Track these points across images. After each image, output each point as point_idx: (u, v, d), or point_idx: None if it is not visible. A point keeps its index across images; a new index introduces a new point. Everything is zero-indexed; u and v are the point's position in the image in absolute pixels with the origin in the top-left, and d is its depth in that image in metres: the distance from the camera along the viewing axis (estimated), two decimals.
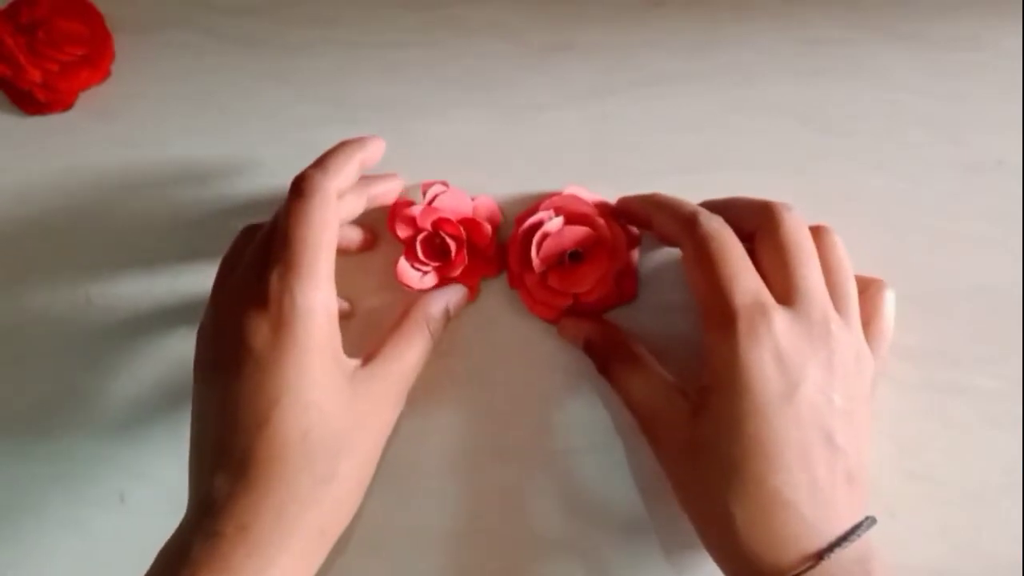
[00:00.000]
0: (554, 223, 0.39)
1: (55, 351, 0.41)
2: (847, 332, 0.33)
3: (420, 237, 0.39)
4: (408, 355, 0.36)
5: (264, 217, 0.40)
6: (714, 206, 0.36)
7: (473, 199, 0.40)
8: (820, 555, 0.30)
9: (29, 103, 0.42)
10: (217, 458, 0.31)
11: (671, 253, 0.41)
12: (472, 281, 0.40)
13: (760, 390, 0.31)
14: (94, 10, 0.42)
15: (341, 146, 0.36)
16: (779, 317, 0.32)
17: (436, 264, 0.39)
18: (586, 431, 0.39)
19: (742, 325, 0.31)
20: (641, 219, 0.38)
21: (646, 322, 0.40)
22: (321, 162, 0.35)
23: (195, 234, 0.41)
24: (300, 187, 0.34)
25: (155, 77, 0.43)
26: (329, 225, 0.33)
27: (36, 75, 0.41)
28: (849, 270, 0.35)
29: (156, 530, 0.39)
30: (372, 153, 0.37)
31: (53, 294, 0.41)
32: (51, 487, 0.40)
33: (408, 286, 0.39)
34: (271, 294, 0.31)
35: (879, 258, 0.40)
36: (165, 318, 0.41)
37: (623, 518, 0.39)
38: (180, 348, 0.41)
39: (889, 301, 0.37)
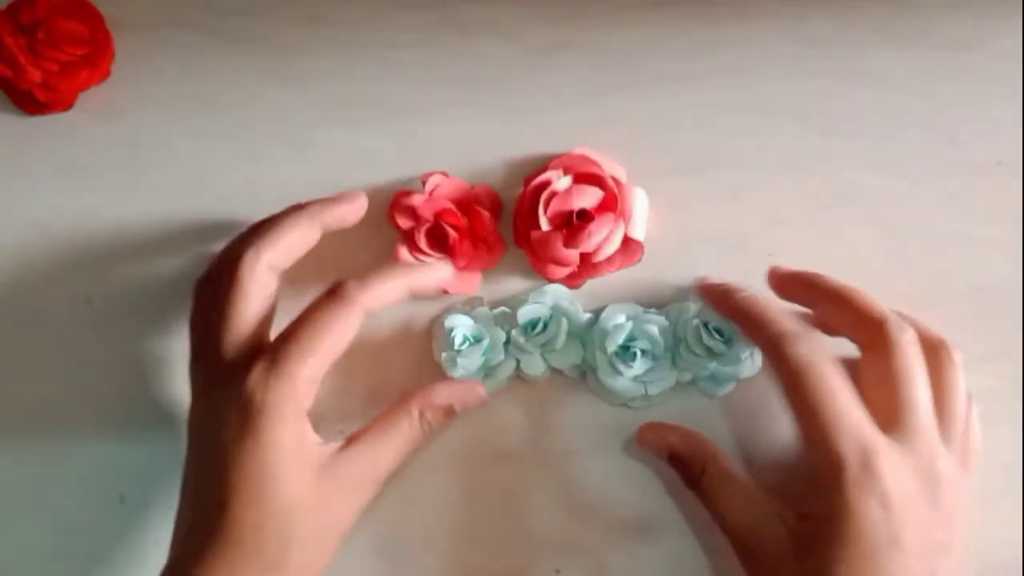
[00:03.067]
0: (562, 182, 0.39)
1: (55, 351, 0.41)
2: (950, 464, 0.33)
3: (422, 226, 0.39)
4: (388, 444, 0.35)
5: (257, 218, 0.40)
6: (825, 296, 0.35)
7: (473, 187, 0.40)
8: None
9: (29, 103, 0.42)
10: (186, 522, 0.33)
11: (676, 216, 0.41)
12: (474, 268, 0.40)
13: (869, 537, 0.31)
14: (94, 10, 0.42)
15: (393, 270, 0.36)
16: (886, 460, 0.31)
17: (437, 253, 0.39)
18: (586, 431, 0.39)
19: (850, 474, 0.31)
20: (728, 316, 0.37)
21: (651, 284, 0.40)
22: (365, 279, 0.34)
23: (195, 234, 0.41)
24: (333, 292, 0.34)
25: (155, 77, 0.43)
26: (339, 338, 0.33)
27: (36, 75, 0.41)
28: (962, 393, 0.35)
29: (156, 530, 0.39)
30: (426, 285, 0.37)
31: (53, 294, 0.41)
32: (51, 488, 0.40)
33: None
34: (247, 386, 0.32)
35: (879, 258, 0.40)
36: (165, 318, 0.41)
37: (623, 518, 0.39)
38: (180, 348, 0.40)
39: (977, 418, 0.36)
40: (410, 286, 0.36)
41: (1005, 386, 0.39)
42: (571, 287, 0.40)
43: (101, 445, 0.40)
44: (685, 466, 0.36)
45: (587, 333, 0.39)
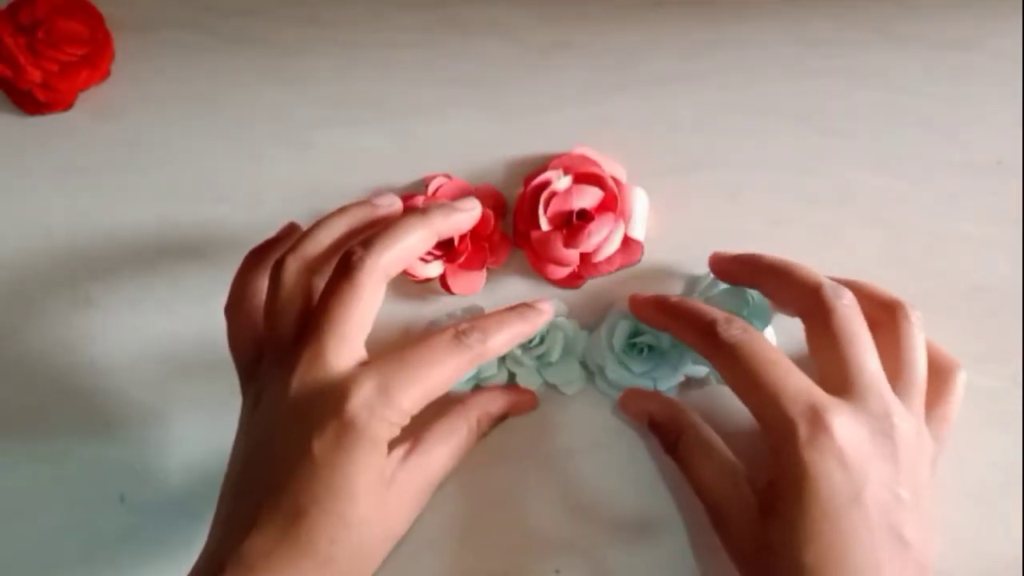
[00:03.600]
0: (562, 182, 0.39)
1: (55, 351, 0.41)
2: (909, 421, 0.32)
3: None
4: (445, 449, 0.36)
5: (258, 218, 0.40)
6: (764, 272, 0.36)
7: (476, 188, 0.40)
8: None
9: (29, 103, 0.42)
10: (252, 523, 0.31)
11: (676, 216, 0.41)
12: (477, 269, 0.40)
13: (828, 496, 0.31)
14: (94, 10, 0.42)
15: (511, 320, 0.35)
16: (838, 419, 0.31)
17: (440, 253, 0.39)
18: (586, 431, 0.39)
19: (801, 433, 0.31)
20: (658, 326, 0.37)
21: (649, 285, 0.40)
22: (486, 328, 0.34)
23: (195, 234, 0.41)
24: (460, 336, 0.34)
25: (155, 77, 0.42)
26: (452, 382, 0.34)
27: (36, 75, 0.41)
28: (920, 352, 0.34)
29: (156, 530, 0.39)
30: (540, 327, 0.37)
31: (53, 294, 0.41)
32: (52, 488, 0.40)
33: (413, 276, 0.39)
34: (353, 404, 0.31)
35: (879, 258, 0.40)
36: (165, 318, 0.41)
37: (623, 518, 0.39)
38: (180, 349, 0.41)
39: (960, 386, 0.36)
40: (529, 334, 0.36)
41: (1005, 386, 0.39)
42: (571, 287, 0.40)
43: (101, 445, 0.40)
44: (663, 432, 0.37)
45: (585, 349, 0.39)
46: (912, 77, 0.42)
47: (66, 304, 0.41)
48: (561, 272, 0.39)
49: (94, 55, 0.42)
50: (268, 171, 0.42)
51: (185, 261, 0.41)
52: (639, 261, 0.39)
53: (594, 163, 0.39)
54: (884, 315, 0.35)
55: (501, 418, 0.39)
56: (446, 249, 0.39)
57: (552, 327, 0.39)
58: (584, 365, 0.39)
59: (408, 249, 0.34)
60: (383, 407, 0.31)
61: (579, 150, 0.40)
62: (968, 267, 0.40)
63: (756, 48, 0.42)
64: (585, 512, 0.39)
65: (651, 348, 0.38)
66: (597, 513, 0.39)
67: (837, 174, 0.41)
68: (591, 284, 0.40)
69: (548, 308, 0.37)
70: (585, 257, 0.39)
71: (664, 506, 0.39)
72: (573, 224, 0.38)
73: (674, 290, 0.40)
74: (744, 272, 0.37)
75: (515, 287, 0.40)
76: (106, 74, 0.43)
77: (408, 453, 0.35)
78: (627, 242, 0.39)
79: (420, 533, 0.39)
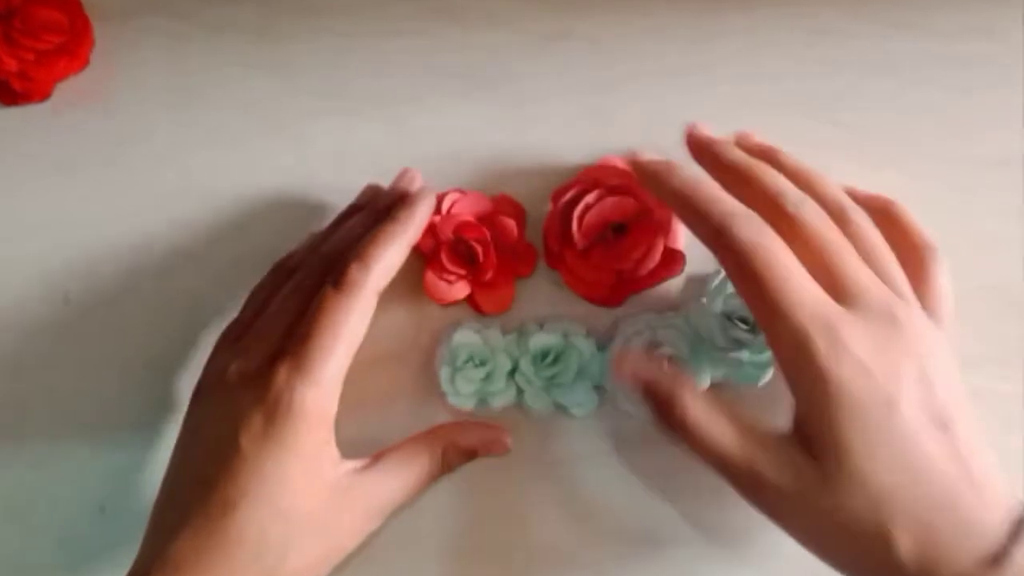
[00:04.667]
0: (595, 194, 0.37)
1: (32, 352, 0.40)
2: (908, 310, 0.31)
3: (444, 246, 0.37)
4: (405, 477, 0.35)
5: (246, 215, 0.39)
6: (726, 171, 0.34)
7: (492, 198, 0.39)
8: (997, 558, 0.28)
9: (5, 93, 0.41)
10: (181, 523, 0.32)
11: None
12: (506, 282, 0.38)
13: (863, 407, 0.29)
14: None
15: (388, 235, 0.35)
16: (849, 329, 0.30)
17: (465, 271, 0.38)
18: (591, 442, 0.39)
19: (819, 347, 0.29)
20: (665, 202, 0.34)
21: (655, 287, 0.39)
22: (364, 255, 0.34)
23: (180, 231, 0.41)
24: (339, 282, 0.33)
25: (136, 66, 0.42)
26: (357, 328, 0.33)
27: (12, 64, 0.40)
28: (884, 248, 0.33)
29: (138, 542, 0.38)
30: (422, 227, 0.36)
31: (29, 292, 0.40)
32: (29, 499, 0.39)
33: (439, 299, 0.38)
34: (273, 388, 0.32)
35: None
36: (149, 319, 0.40)
37: (627, 530, 0.38)
38: (164, 352, 0.40)
39: (938, 264, 0.34)
40: (410, 242, 0.35)
41: (1016, 388, 0.39)
42: (612, 306, 0.39)
43: (80, 453, 0.39)
44: (660, 398, 0.33)
45: (601, 371, 0.38)
46: (921, 69, 0.41)
47: (44, 303, 0.40)
48: (600, 291, 0.38)
49: (72, 43, 0.41)
50: (258, 165, 0.41)
51: (169, 258, 0.40)
52: (681, 272, 0.38)
53: (625, 173, 0.38)
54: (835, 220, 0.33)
55: (471, 453, 0.37)
56: (470, 267, 0.38)
57: (568, 346, 0.37)
58: (598, 388, 0.38)
59: (394, 264, 0.35)
60: (302, 383, 0.32)
61: (607, 160, 0.39)
62: (979, 265, 0.40)
63: (761, 39, 0.42)
64: (589, 523, 0.39)
65: (670, 359, 0.37)
66: (601, 525, 0.39)
67: (845, 168, 0.40)
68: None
69: (425, 194, 0.36)
70: (625, 273, 0.38)
71: (668, 518, 0.38)
72: (609, 239, 0.37)
73: (681, 290, 0.39)
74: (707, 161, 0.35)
75: (548, 301, 0.39)
76: (85, 63, 0.42)
77: (364, 467, 0.34)
78: (667, 253, 0.38)
79: (423, 543, 0.39)
